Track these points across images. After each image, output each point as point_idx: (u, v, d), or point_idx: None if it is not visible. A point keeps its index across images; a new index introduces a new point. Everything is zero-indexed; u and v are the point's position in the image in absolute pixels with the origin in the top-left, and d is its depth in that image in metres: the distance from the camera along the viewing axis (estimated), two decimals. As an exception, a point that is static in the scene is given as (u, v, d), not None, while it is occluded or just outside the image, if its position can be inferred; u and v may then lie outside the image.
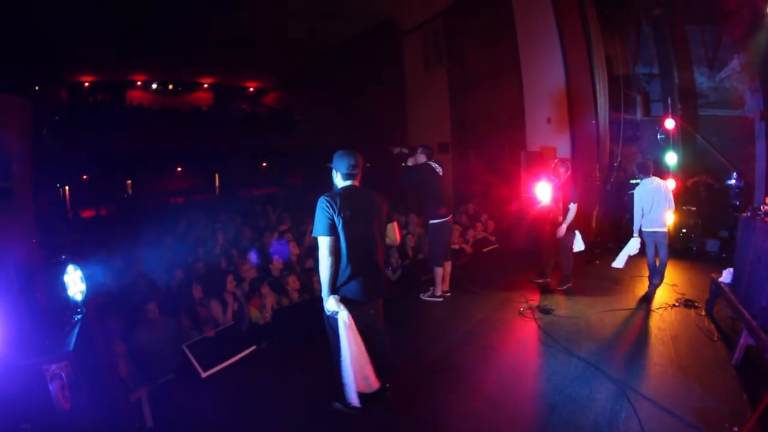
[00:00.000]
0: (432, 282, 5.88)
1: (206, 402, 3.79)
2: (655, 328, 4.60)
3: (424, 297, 5.87)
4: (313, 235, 3.04)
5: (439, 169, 5.57)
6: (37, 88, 13.90)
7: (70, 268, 2.71)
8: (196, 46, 16.16)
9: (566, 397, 3.38)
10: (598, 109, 8.88)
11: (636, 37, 9.18)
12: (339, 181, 3.19)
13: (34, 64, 12.62)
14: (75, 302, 2.73)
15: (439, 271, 5.74)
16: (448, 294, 5.90)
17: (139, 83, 21.72)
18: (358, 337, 2.96)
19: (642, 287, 5.74)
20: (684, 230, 7.25)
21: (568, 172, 5.87)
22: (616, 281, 6.04)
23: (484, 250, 8.33)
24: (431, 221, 5.63)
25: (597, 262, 7.07)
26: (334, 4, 13.27)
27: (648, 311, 5.05)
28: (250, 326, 4.98)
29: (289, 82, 22.86)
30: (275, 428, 3.35)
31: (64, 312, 2.63)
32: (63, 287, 2.66)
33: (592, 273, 6.56)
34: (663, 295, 5.46)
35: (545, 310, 5.13)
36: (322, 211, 2.94)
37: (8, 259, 2.42)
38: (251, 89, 24.88)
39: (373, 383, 3.08)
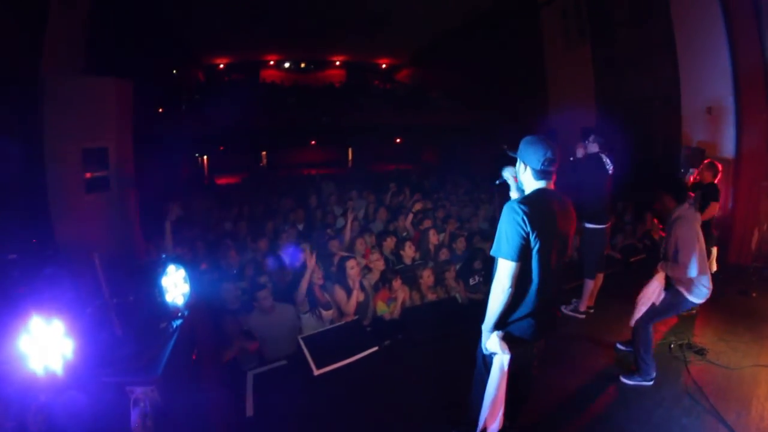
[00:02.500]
0: (576, 292, 5.11)
1: (313, 400, 3.54)
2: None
3: (566, 311, 5.10)
4: (494, 254, 2.30)
5: (610, 166, 4.72)
6: (174, 71, 15.26)
7: (171, 268, 2.42)
8: (328, 24, 16.36)
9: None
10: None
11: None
12: (528, 180, 2.39)
13: (171, 49, 13.79)
14: (174, 307, 2.46)
15: (590, 283, 4.95)
16: (592, 311, 5.09)
17: (271, 63, 22.79)
18: (506, 380, 2.38)
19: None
20: None
21: (717, 177, 5.07)
22: (776, 325, 4.78)
23: (632, 259, 7.09)
24: (588, 225, 4.83)
25: (753, 294, 5.57)
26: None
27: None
28: (374, 320, 4.66)
29: (422, 59, 22.45)
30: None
31: (160, 320, 2.37)
32: (161, 291, 2.38)
33: (746, 308, 5.23)
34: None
35: (697, 351, 4.21)
36: (515, 226, 2.19)
37: (100, 258, 2.19)
38: (384, 66, 24.85)
39: (500, 423, 2.51)
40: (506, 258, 2.21)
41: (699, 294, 3.51)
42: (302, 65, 23.39)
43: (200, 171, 19.13)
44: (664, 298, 3.62)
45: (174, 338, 2.20)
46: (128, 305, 2.22)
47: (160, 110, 14.06)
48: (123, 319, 2.13)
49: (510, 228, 2.20)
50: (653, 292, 3.69)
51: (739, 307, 5.24)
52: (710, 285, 3.52)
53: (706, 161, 5.37)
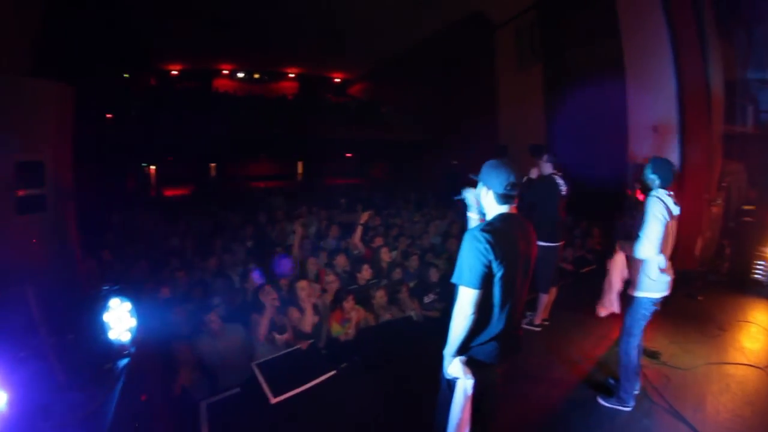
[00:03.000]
0: (530, 305, 5.20)
1: (271, 429, 3.43)
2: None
3: (522, 324, 5.19)
4: (455, 281, 2.23)
5: (563, 187, 4.86)
6: (126, 75, 14.61)
7: (114, 302, 2.21)
8: (284, 36, 16.24)
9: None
10: (711, 118, 7.58)
11: (747, 37, 7.85)
12: (490, 204, 2.35)
13: (123, 51, 13.20)
14: (120, 345, 2.23)
15: (544, 297, 5.09)
16: (547, 323, 5.22)
17: (225, 72, 22.47)
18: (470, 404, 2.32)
19: (750, 337, 4.90)
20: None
21: None
22: (720, 326, 5.13)
23: (583, 270, 7.40)
24: (541, 243, 4.84)
25: (699, 298, 6.00)
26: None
27: (759, 370, 4.20)
28: (329, 342, 4.51)
29: (375, 74, 22.63)
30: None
31: (105, 360, 2.13)
32: (103, 328, 2.15)
33: (694, 311, 5.61)
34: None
35: (651, 354, 4.39)
36: (477, 254, 2.14)
37: (33, 291, 1.93)
38: (337, 80, 24.97)
39: None
40: (468, 286, 2.16)
41: (659, 285, 3.38)
42: (256, 76, 23.18)
43: (147, 182, 18.36)
44: (626, 311, 3.56)
45: (121, 381, 2.01)
46: (68, 345, 2.00)
47: (108, 116, 13.38)
48: (63, 361, 1.92)
49: (472, 256, 2.15)
50: (619, 270, 3.69)
51: (687, 311, 5.55)
52: (671, 272, 3.41)
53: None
